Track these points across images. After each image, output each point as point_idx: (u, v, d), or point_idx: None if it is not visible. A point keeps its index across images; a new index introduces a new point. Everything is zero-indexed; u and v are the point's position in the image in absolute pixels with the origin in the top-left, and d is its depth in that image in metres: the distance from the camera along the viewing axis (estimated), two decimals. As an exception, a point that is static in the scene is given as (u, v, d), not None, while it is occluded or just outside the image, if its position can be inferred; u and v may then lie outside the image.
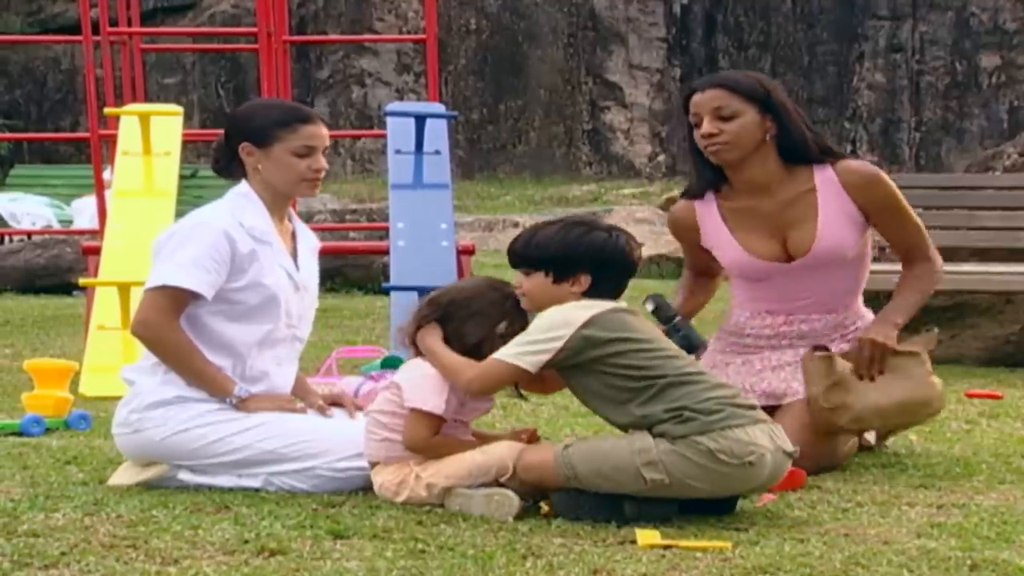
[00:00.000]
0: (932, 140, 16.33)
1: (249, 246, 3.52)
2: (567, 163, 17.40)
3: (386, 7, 17.59)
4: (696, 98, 3.88)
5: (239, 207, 3.58)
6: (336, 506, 3.27)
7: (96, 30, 8.00)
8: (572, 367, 3.27)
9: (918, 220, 3.97)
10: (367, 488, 3.41)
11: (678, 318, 3.76)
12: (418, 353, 3.40)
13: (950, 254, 6.66)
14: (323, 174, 3.64)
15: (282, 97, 8.14)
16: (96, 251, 6.38)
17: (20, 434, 4.30)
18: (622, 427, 3.28)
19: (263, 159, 3.58)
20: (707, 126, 3.84)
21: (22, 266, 9.97)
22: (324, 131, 3.64)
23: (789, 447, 3.25)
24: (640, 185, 16.61)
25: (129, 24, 9.09)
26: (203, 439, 3.47)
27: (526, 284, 3.36)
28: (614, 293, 3.35)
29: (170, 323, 3.48)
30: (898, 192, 3.93)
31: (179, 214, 6.98)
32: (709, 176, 3.94)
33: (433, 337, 3.35)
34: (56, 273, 9.83)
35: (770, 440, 3.21)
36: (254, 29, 8.27)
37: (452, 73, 17.12)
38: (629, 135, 17.69)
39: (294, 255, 3.64)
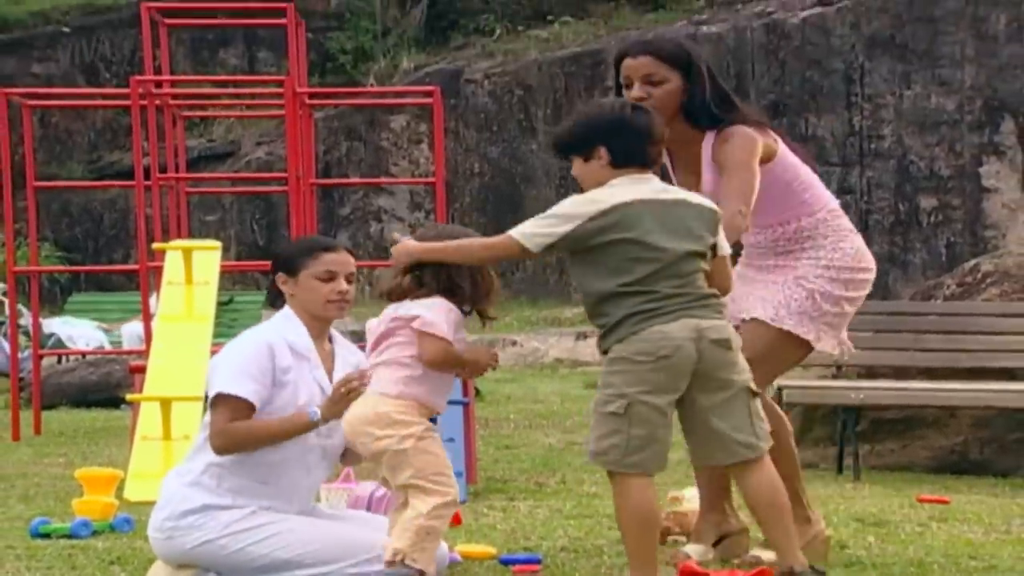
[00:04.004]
0: (881, 271, 16.17)
1: (288, 360, 3.47)
2: (559, 288, 17.39)
3: (400, 154, 17.75)
4: (628, 62, 3.81)
5: (283, 326, 3.55)
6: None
7: (147, 176, 8.05)
8: (575, 251, 3.29)
9: (741, 176, 3.70)
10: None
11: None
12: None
13: (900, 372, 6.64)
14: (349, 296, 3.57)
15: (308, 232, 8.15)
16: (142, 370, 6.33)
17: (70, 536, 4.23)
18: (595, 307, 3.28)
19: (294, 286, 3.56)
20: (637, 91, 3.77)
21: (76, 383, 9.92)
22: (346, 258, 3.59)
23: (720, 335, 3.25)
24: (623, 309, 16.61)
25: (176, 171, 9.15)
26: (225, 549, 3.40)
27: (574, 171, 3.39)
28: (641, 160, 3.31)
29: (231, 427, 3.40)
30: (737, 155, 3.71)
31: (216, 335, 6.99)
32: None
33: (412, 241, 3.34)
34: (106, 389, 9.76)
35: (691, 331, 3.20)
36: (285, 174, 8.31)
37: (458, 210, 17.21)
38: (613, 265, 17.70)
39: (330, 373, 3.57)
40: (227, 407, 3.41)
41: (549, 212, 3.34)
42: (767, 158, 3.82)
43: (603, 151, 3.31)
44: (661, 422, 3.23)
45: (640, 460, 3.22)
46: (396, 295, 3.49)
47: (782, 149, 3.88)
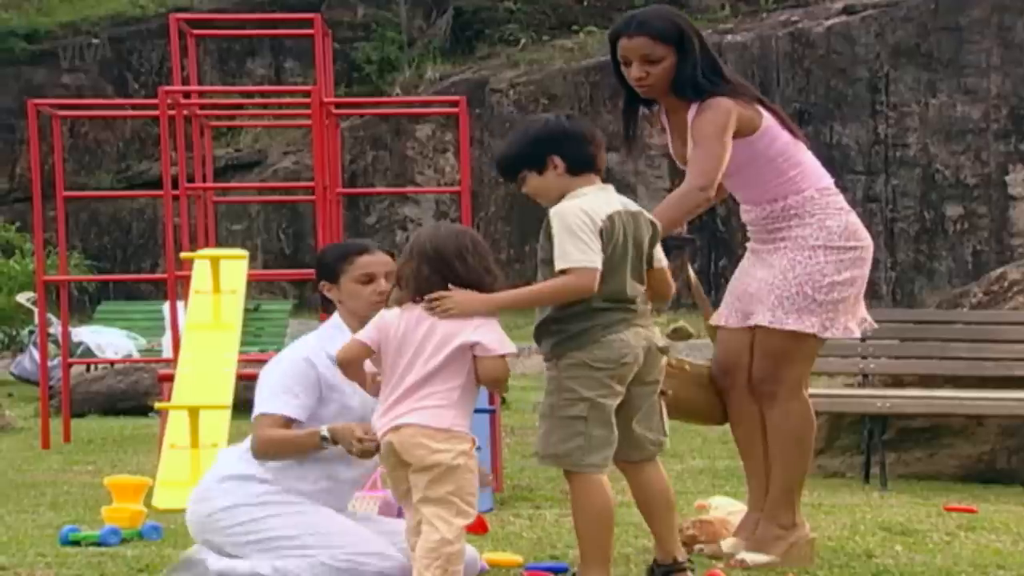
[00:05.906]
0: (906, 279, 16.30)
1: (332, 371, 3.45)
2: (584, 298, 17.43)
3: (426, 163, 17.79)
4: (624, 43, 3.86)
5: (328, 337, 3.55)
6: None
7: (175, 185, 8.07)
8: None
9: (706, 151, 3.74)
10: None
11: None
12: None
13: (927, 381, 6.59)
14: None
15: (335, 240, 8.16)
16: (170, 378, 6.35)
17: (99, 544, 4.24)
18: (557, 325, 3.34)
19: (338, 292, 3.59)
20: (636, 70, 3.84)
21: (105, 391, 9.96)
22: (381, 258, 3.60)
23: (660, 343, 3.38)
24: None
25: (204, 180, 9.17)
26: (250, 515, 3.45)
27: (527, 188, 3.40)
28: (592, 164, 3.37)
29: (263, 435, 3.46)
30: (706, 128, 3.75)
31: (243, 344, 7.01)
32: (643, 101, 3.96)
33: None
34: (135, 397, 9.80)
35: (643, 340, 3.32)
36: (312, 183, 8.33)
37: (483, 218, 17.23)
38: (638, 274, 17.70)
39: None
40: (264, 422, 3.48)
41: (570, 233, 3.26)
42: (747, 131, 3.82)
43: (557, 159, 3.35)
44: (612, 423, 3.35)
45: (599, 460, 3.32)
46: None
47: (767, 124, 3.86)
